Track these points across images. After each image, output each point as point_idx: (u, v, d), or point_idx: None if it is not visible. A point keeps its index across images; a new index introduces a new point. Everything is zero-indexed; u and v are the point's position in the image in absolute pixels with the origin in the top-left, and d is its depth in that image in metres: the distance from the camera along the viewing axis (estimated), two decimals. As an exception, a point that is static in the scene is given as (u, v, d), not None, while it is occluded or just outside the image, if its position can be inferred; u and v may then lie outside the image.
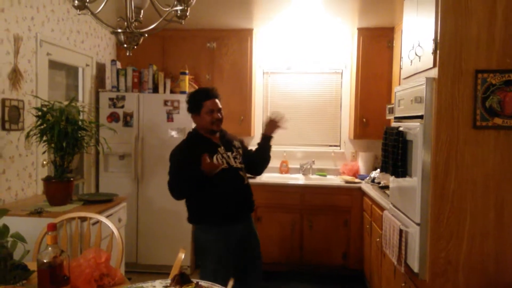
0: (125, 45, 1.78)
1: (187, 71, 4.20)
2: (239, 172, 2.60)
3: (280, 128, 2.71)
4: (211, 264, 2.49)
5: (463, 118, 2.10)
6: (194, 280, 1.10)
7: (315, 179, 4.53)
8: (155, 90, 4.19)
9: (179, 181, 2.52)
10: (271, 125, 2.70)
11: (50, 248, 1.60)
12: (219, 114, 2.60)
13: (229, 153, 2.60)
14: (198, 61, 4.58)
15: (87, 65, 4.08)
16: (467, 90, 2.09)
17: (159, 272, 3.95)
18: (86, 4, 1.71)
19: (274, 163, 4.81)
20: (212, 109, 2.56)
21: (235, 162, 2.60)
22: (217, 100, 2.61)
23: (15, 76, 2.99)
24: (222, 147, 2.59)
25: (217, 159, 2.51)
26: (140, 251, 4.18)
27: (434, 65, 2.15)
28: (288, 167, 4.81)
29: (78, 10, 1.73)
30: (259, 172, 2.87)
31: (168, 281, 1.12)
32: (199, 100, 2.58)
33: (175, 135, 4.08)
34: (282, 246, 4.23)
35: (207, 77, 4.57)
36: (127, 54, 1.82)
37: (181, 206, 4.05)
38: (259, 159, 2.76)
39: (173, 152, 2.61)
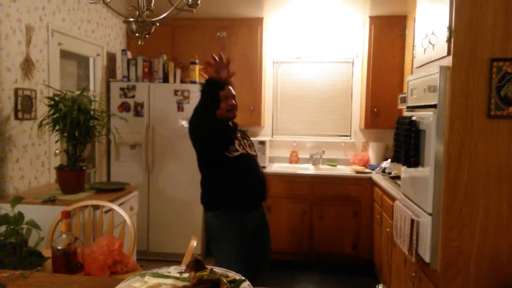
0: (137, 34, 1.78)
1: (197, 61, 4.19)
2: (255, 159, 2.61)
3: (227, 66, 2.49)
4: (228, 248, 2.48)
5: (477, 107, 2.07)
6: (209, 267, 1.11)
7: (325, 169, 4.52)
8: (165, 79, 4.19)
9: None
10: (219, 67, 2.49)
11: (64, 235, 1.63)
12: (233, 101, 2.56)
13: (244, 141, 2.61)
14: (208, 50, 4.54)
15: (97, 54, 4.10)
16: (482, 79, 2.06)
17: (170, 260, 3.99)
18: (98, -8, 1.71)
19: (284, 153, 4.85)
20: (227, 96, 2.53)
21: (251, 150, 2.62)
22: (230, 87, 2.57)
23: (27, 65, 3.01)
24: (239, 134, 2.61)
25: (237, 144, 2.50)
26: (151, 239, 4.23)
27: (448, 54, 2.12)
28: (298, 157, 4.81)
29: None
30: None
31: (183, 267, 1.13)
32: (215, 94, 2.51)
33: (186, 125, 4.09)
34: (291, 235, 4.24)
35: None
36: (139, 43, 1.82)
37: (191, 195, 4.12)
38: None
39: (194, 120, 2.52)
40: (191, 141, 2.57)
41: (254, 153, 2.65)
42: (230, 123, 2.62)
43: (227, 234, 2.49)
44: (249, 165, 2.54)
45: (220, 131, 2.48)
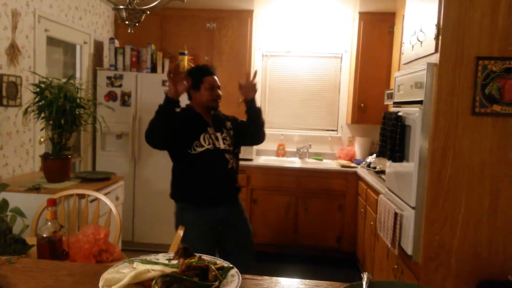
0: (127, 22, 1.77)
1: (186, 52, 4.16)
2: (224, 155, 2.50)
3: (256, 86, 2.61)
4: (189, 241, 2.35)
5: (462, 105, 2.11)
6: (197, 254, 1.12)
7: (311, 163, 4.56)
8: (154, 70, 4.16)
9: (151, 122, 2.41)
10: (247, 89, 2.59)
11: (49, 223, 1.62)
12: (219, 91, 2.55)
13: (218, 134, 2.52)
14: (197, 41, 4.54)
15: (85, 42, 4.04)
16: (468, 76, 2.10)
17: (155, 250, 3.95)
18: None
19: (271, 146, 4.86)
20: (213, 85, 2.51)
21: (223, 143, 2.51)
22: (216, 77, 2.55)
23: (13, 51, 2.96)
24: (212, 127, 2.52)
25: (204, 138, 2.45)
26: (136, 229, 4.21)
27: (436, 51, 2.15)
28: (285, 151, 4.83)
29: (80, -15, 1.71)
30: (260, 138, 2.69)
31: (171, 254, 1.14)
32: (200, 76, 2.50)
33: (173, 116, 4.07)
34: (277, 228, 4.27)
35: (206, 58, 4.54)
36: (129, 31, 1.81)
37: (177, 187, 4.11)
38: (254, 125, 2.62)
39: None
40: None
41: (226, 148, 2.52)
42: (211, 113, 2.56)
43: (189, 225, 2.34)
44: (213, 161, 2.47)
45: (186, 128, 2.42)
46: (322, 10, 4.52)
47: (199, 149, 2.43)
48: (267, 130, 4.83)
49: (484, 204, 2.14)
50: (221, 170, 2.49)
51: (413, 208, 2.26)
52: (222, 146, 2.51)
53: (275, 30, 4.81)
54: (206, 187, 2.46)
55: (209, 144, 2.46)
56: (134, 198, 4.18)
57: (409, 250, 2.26)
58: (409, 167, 2.33)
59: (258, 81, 4.84)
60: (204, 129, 2.49)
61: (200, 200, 2.47)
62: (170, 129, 2.37)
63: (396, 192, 2.59)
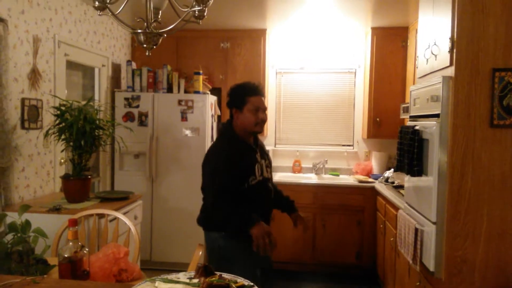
0: (145, 45, 1.81)
1: (201, 71, 4.23)
2: (268, 184, 2.36)
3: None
4: (240, 270, 1.97)
5: (480, 117, 2.09)
6: (217, 273, 1.12)
7: (327, 179, 4.53)
8: (170, 90, 4.23)
9: (224, 208, 2.13)
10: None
11: (71, 243, 1.64)
12: (264, 115, 2.31)
13: (262, 161, 2.33)
14: (211, 61, 4.61)
15: (103, 65, 4.14)
16: (484, 88, 2.08)
17: (173, 269, 3.95)
18: (107, 4, 1.75)
19: (286, 162, 4.86)
20: (258, 107, 2.26)
21: (267, 171, 2.35)
22: (262, 98, 2.33)
23: (34, 76, 3.05)
24: (258, 153, 2.33)
25: (257, 169, 2.24)
26: (154, 248, 4.23)
27: (451, 64, 2.14)
28: (301, 167, 4.82)
29: (99, 11, 1.77)
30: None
31: (192, 273, 1.14)
32: (244, 95, 2.27)
33: (189, 135, 4.12)
34: (294, 245, 4.23)
35: (221, 77, 4.61)
36: (147, 54, 1.85)
37: (194, 205, 4.11)
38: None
39: (213, 157, 2.27)
40: (202, 169, 2.32)
41: (269, 175, 2.37)
42: (251, 139, 2.36)
43: (239, 253, 2.21)
44: (262, 192, 2.30)
45: (243, 164, 2.18)
46: (335, 26, 4.55)
47: (252, 182, 2.23)
48: (283, 147, 4.89)
49: (507, 217, 2.10)
50: (267, 200, 2.37)
51: (434, 223, 2.22)
52: (266, 175, 2.34)
53: (288, 47, 4.86)
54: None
55: (260, 175, 2.27)
56: (152, 217, 4.20)
57: (431, 266, 2.22)
58: (428, 181, 2.30)
59: (273, 98, 4.90)
60: (254, 158, 2.29)
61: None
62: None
63: (416, 207, 2.56)
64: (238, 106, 2.28)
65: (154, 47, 1.85)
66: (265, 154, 2.41)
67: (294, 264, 4.26)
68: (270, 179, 2.40)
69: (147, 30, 1.77)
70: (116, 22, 1.90)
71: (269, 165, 2.41)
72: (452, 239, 2.13)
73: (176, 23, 1.86)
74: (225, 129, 2.38)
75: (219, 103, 4.64)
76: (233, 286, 1.03)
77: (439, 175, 2.19)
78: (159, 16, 1.87)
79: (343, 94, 4.86)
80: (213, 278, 1.04)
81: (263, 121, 2.30)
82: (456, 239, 2.13)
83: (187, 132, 4.12)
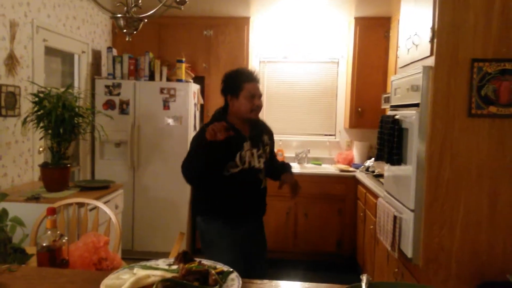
0: (125, 30, 1.78)
1: (183, 59, 4.18)
2: (258, 175, 2.32)
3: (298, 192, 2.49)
4: (219, 253, 2.12)
5: (459, 106, 2.12)
6: (197, 259, 1.12)
7: (310, 168, 4.57)
8: (152, 77, 4.18)
9: (188, 161, 2.18)
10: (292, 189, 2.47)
11: (49, 232, 1.62)
12: (259, 102, 2.29)
13: (254, 150, 2.28)
14: (195, 49, 4.57)
15: (83, 52, 4.06)
16: (463, 78, 2.11)
17: (155, 258, 3.97)
18: (85, -12, 1.71)
19: (269, 152, 4.87)
20: (253, 93, 2.24)
21: (258, 161, 2.30)
22: (258, 85, 2.30)
23: (11, 62, 2.97)
24: (249, 142, 2.27)
25: (240, 157, 2.22)
26: (136, 238, 4.20)
27: (431, 54, 2.17)
28: (284, 156, 4.84)
29: (77, -6, 1.72)
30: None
31: (171, 260, 1.14)
32: (240, 81, 2.24)
33: (171, 123, 4.09)
34: (276, 233, 4.27)
35: (204, 66, 4.57)
36: (127, 39, 1.82)
37: (177, 194, 4.12)
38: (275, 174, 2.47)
39: (194, 136, 2.29)
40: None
41: (261, 167, 2.32)
42: (246, 127, 2.32)
43: (218, 236, 2.28)
44: (247, 181, 2.28)
45: (221, 147, 2.10)
46: (318, 16, 4.55)
47: (233, 170, 2.22)
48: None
49: (483, 206, 2.14)
50: (254, 191, 2.34)
51: (412, 210, 2.26)
52: (257, 165, 2.30)
53: (271, 36, 4.85)
54: (236, 207, 2.29)
55: (244, 163, 2.24)
56: (134, 206, 4.17)
57: (409, 253, 2.27)
58: (407, 170, 2.33)
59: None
60: (240, 145, 2.24)
61: (228, 216, 2.29)
62: (206, 168, 2.15)
63: (395, 195, 2.60)
64: (234, 93, 2.25)
65: (135, 32, 1.82)
66: (260, 144, 2.34)
67: (276, 252, 4.29)
68: (261, 169, 2.34)
69: (127, 15, 1.74)
70: (96, 7, 1.86)
71: (262, 155, 2.34)
72: (429, 226, 2.18)
73: (157, 8, 1.83)
74: (217, 114, 2.35)
75: (202, 91, 4.61)
76: (213, 272, 1.04)
77: (417, 163, 2.22)
78: (140, 1, 1.84)
79: (326, 84, 4.88)
80: (192, 264, 1.04)
81: (259, 107, 2.28)
82: (433, 226, 2.17)
83: (170, 120, 4.09)
